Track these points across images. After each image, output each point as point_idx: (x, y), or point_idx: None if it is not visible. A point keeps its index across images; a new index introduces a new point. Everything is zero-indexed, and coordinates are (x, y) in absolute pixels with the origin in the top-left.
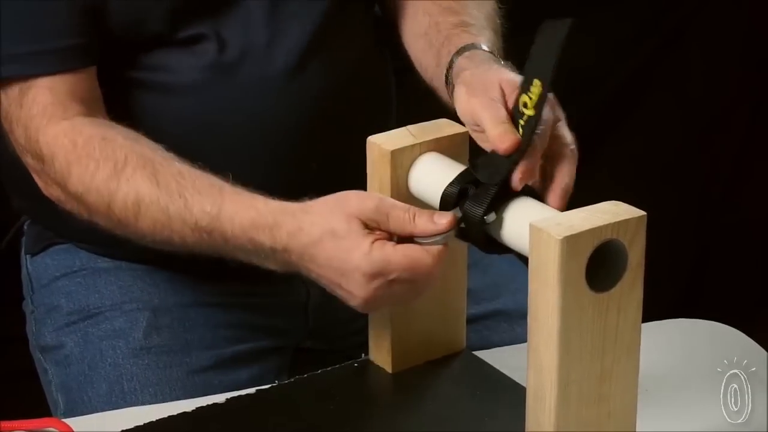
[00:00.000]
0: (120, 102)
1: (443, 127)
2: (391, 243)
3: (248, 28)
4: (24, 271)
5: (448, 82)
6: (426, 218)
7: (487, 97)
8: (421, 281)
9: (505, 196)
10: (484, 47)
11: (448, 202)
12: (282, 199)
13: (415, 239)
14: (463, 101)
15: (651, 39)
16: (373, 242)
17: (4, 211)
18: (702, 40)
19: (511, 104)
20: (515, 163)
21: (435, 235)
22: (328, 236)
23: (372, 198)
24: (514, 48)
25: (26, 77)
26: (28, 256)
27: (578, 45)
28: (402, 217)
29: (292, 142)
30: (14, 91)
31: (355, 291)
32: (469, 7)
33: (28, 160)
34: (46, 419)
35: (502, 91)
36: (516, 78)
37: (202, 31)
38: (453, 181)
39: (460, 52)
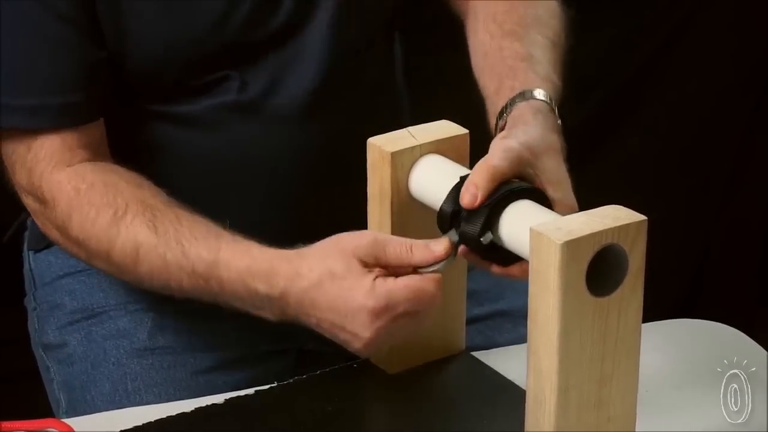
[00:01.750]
0: (137, 133)
1: (444, 129)
2: (392, 278)
3: (270, 70)
4: (26, 266)
5: (501, 117)
6: (422, 248)
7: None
8: (425, 311)
9: (498, 213)
10: (542, 97)
11: (443, 221)
12: (293, 237)
13: (416, 269)
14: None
15: (651, 39)
16: (374, 279)
17: (3, 206)
18: (702, 40)
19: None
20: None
21: (434, 263)
22: (328, 278)
23: (366, 235)
24: None
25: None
26: (30, 252)
27: (579, 44)
28: (399, 249)
29: (308, 179)
30: (23, 132)
31: (359, 331)
32: (533, 33)
33: (29, 202)
34: (46, 419)
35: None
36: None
37: (224, 74)
38: (446, 198)
39: (522, 96)
